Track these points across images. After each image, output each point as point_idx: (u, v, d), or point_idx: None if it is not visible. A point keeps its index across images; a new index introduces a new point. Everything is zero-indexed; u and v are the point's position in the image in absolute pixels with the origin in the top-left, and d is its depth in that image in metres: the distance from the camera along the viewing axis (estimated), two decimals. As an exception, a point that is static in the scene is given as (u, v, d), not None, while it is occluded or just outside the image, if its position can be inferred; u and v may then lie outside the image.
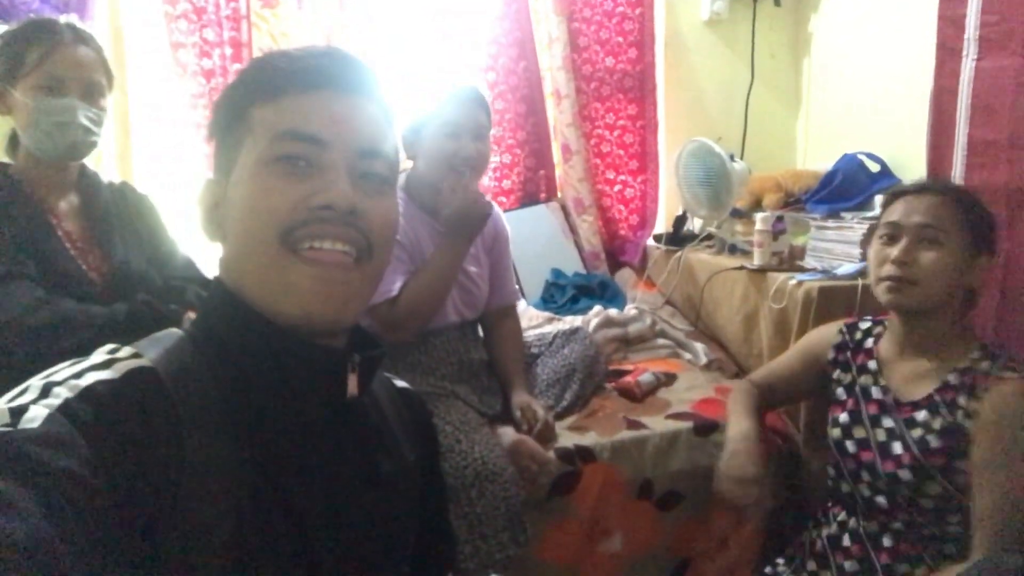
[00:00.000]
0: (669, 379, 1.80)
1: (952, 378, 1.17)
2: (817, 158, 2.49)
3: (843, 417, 1.29)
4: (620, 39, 2.54)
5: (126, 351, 0.57)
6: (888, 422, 1.22)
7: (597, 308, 2.11)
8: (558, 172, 2.60)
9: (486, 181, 2.45)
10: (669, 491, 1.51)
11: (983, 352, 1.17)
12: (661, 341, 2.03)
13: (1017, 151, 1.40)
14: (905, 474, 1.16)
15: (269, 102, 0.62)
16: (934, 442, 1.14)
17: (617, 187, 2.64)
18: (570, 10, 2.47)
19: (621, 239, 2.64)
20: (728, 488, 1.27)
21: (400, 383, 0.80)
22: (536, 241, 2.47)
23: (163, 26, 2.11)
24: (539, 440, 1.45)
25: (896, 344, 1.27)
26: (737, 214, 2.20)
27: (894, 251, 1.18)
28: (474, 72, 2.43)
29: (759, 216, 1.92)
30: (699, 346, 1.99)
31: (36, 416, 0.47)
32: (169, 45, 2.12)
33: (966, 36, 1.52)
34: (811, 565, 1.30)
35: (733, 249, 2.12)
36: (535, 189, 2.59)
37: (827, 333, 1.41)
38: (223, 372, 0.59)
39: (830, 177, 2.16)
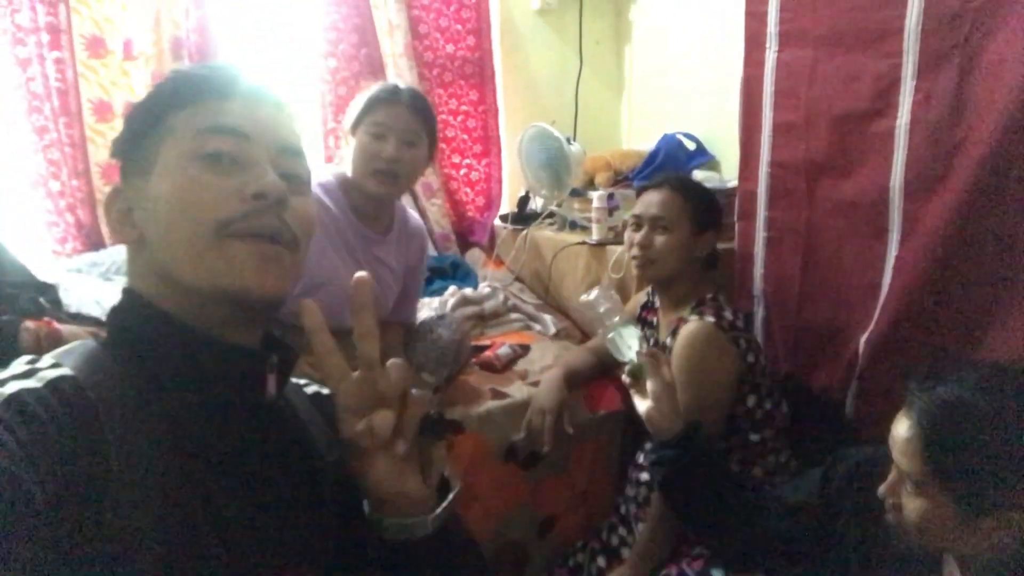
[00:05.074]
0: (524, 350, 1.93)
1: (676, 326, 1.47)
2: (640, 138, 2.71)
3: None
4: (459, 26, 2.61)
5: (46, 361, 0.56)
6: None
7: (452, 288, 2.21)
8: (405, 158, 2.64)
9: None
10: (531, 452, 1.66)
11: (697, 303, 1.47)
12: (514, 315, 2.17)
13: (812, 130, 1.57)
14: None
15: (188, 107, 0.63)
16: None
17: (463, 171, 2.74)
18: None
19: (469, 220, 2.75)
20: (530, 416, 1.57)
21: (310, 389, 0.80)
22: (388, 225, 2.51)
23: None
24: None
25: (660, 302, 1.60)
26: (575, 193, 2.38)
27: (637, 237, 1.52)
28: (314, 59, 2.40)
29: (594, 194, 2.09)
30: (548, 318, 2.16)
31: None
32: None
33: (768, 31, 1.66)
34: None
35: (574, 225, 2.29)
36: (383, 175, 2.62)
37: (639, 296, 1.71)
38: (142, 379, 0.59)
39: (653, 156, 2.40)
